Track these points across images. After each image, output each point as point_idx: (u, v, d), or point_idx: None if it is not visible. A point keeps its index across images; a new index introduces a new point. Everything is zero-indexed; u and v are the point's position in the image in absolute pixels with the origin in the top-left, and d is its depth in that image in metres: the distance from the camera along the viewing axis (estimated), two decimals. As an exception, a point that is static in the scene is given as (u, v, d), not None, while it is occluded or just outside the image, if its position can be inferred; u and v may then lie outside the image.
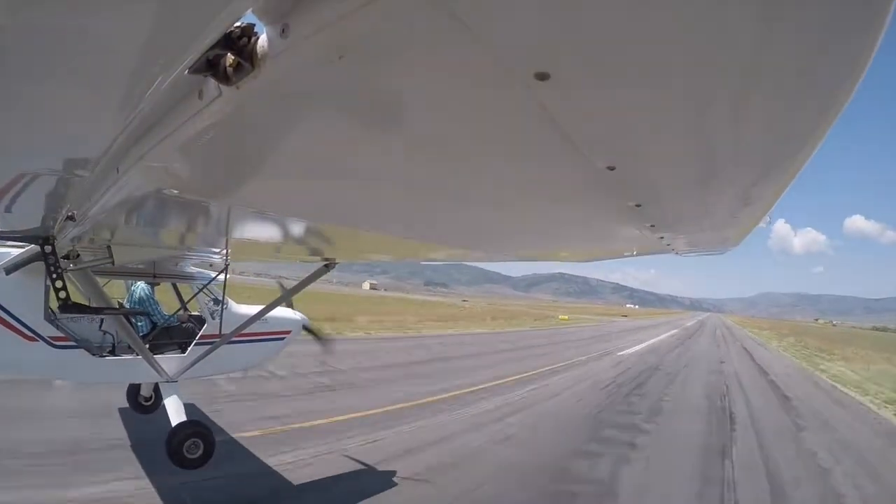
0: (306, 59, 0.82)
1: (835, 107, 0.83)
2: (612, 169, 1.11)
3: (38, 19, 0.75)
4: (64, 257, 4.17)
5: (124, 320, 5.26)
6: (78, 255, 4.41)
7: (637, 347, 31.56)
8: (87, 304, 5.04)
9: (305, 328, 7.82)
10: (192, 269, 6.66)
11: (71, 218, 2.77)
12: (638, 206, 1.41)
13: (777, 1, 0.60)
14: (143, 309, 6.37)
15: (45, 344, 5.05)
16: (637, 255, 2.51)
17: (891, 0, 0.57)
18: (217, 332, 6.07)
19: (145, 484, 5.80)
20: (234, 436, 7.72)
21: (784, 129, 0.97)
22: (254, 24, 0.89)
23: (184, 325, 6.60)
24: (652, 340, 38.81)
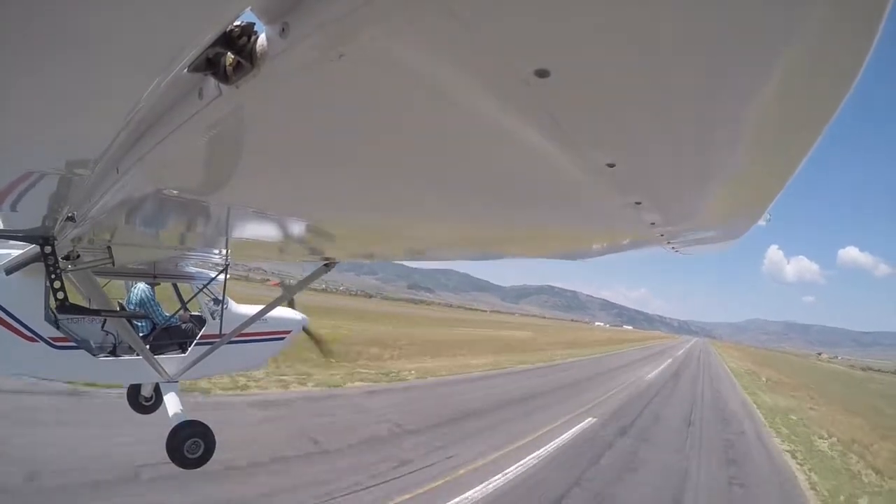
0: (306, 59, 0.83)
1: (833, 105, 0.83)
2: (611, 166, 1.11)
3: (37, 18, 0.75)
4: (64, 258, 4.17)
5: (125, 321, 5.26)
6: (78, 256, 4.41)
7: None
8: (86, 305, 5.05)
9: (304, 330, 7.82)
10: (192, 270, 6.66)
11: (71, 218, 2.77)
12: (638, 203, 1.41)
13: (779, 2, 0.61)
14: (142, 311, 6.38)
15: (45, 344, 5.05)
16: (636, 251, 2.51)
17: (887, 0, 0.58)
18: (217, 332, 6.08)
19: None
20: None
21: (783, 126, 0.97)
22: (253, 23, 0.89)
23: (184, 325, 6.61)
24: None
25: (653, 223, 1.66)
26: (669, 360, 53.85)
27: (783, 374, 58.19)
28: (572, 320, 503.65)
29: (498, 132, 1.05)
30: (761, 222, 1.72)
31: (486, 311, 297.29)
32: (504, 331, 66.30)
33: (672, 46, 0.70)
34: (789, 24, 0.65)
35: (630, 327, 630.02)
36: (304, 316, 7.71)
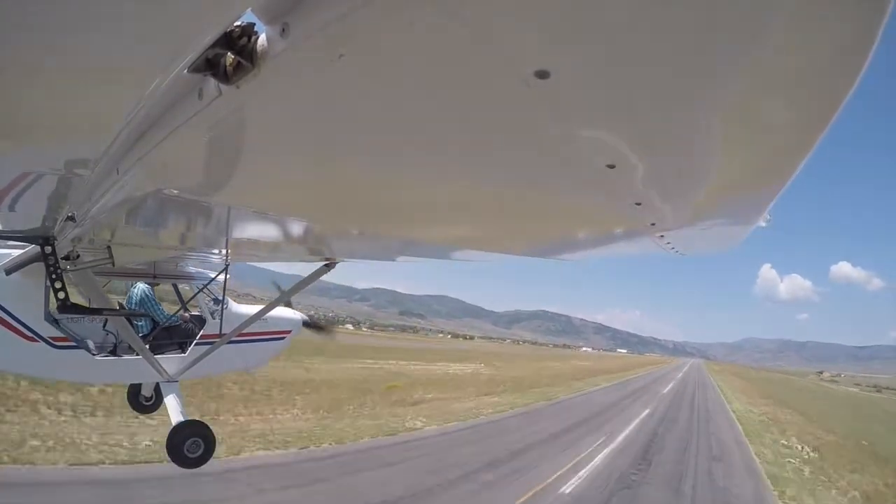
0: (306, 59, 0.83)
1: (831, 107, 0.83)
2: (612, 167, 1.11)
3: (39, 18, 0.75)
4: (64, 258, 4.16)
5: (125, 320, 5.26)
6: (78, 256, 4.40)
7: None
8: (86, 305, 5.04)
9: (306, 324, 7.79)
10: (192, 270, 6.66)
11: (71, 218, 2.76)
12: (638, 204, 1.41)
13: (778, 2, 0.61)
14: (143, 310, 6.37)
15: (45, 344, 5.05)
16: (636, 253, 2.50)
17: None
18: (217, 332, 6.07)
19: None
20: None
21: (782, 127, 0.97)
22: (254, 24, 0.89)
23: (184, 325, 6.60)
24: None
25: (653, 223, 1.65)
26: (647, 412, 31.44)
27: (814, 421, 37.95)
28: (564, 345, 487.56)
29: (498, 132, 1.05)
30: (762, 223, 1.72)
31: (472, 337, 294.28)
32: (443, 363, 47.87)
33: (672, 48, 0.70)
34: (789, 25, 0.65)
35: (624, 350, 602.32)
36: (303, 315, 7.71)
